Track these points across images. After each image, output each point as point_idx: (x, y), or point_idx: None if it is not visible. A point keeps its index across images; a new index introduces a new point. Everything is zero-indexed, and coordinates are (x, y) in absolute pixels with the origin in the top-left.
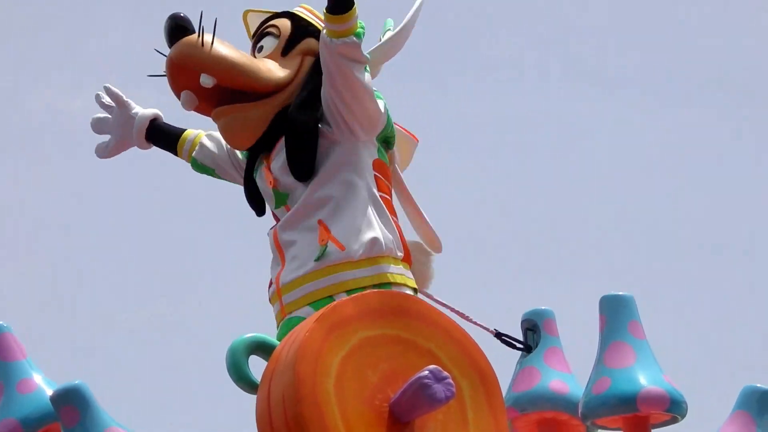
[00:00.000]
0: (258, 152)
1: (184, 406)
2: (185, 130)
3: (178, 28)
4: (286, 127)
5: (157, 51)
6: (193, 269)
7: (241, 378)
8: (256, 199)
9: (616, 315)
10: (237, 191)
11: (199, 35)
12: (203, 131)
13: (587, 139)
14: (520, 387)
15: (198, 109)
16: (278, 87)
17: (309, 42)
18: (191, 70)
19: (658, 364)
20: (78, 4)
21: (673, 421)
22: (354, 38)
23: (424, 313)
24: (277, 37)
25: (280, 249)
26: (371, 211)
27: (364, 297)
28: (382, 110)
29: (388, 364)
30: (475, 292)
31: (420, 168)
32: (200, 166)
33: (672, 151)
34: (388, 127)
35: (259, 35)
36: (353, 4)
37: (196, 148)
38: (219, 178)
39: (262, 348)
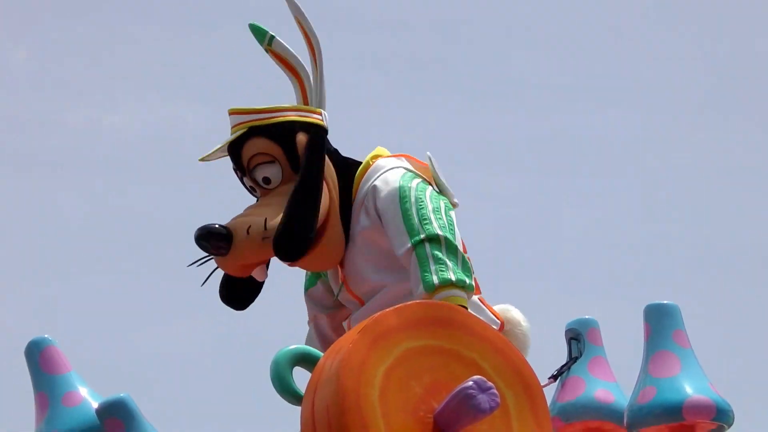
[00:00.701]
0: None
1: (228, 418)
2: None
3: (218, 236)
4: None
5: (193, 263)
6: None
7: (285, 389)
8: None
9: (660, 324)
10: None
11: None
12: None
13: (627, 150)
14: (565, 397)
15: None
16: (330, 208)
17: (299, 137)
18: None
19: (703, 373)
20: (116, 22)
21: (720, 430)
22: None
23: (468, 323)
24: (273, 160)
25: None
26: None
27: (408, 308)
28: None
29: (432, 375)
30: (519, 303)
31: (466, 182)
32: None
33: (714, 159)
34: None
35: (249, 170)
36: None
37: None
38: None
39: (306, 359)
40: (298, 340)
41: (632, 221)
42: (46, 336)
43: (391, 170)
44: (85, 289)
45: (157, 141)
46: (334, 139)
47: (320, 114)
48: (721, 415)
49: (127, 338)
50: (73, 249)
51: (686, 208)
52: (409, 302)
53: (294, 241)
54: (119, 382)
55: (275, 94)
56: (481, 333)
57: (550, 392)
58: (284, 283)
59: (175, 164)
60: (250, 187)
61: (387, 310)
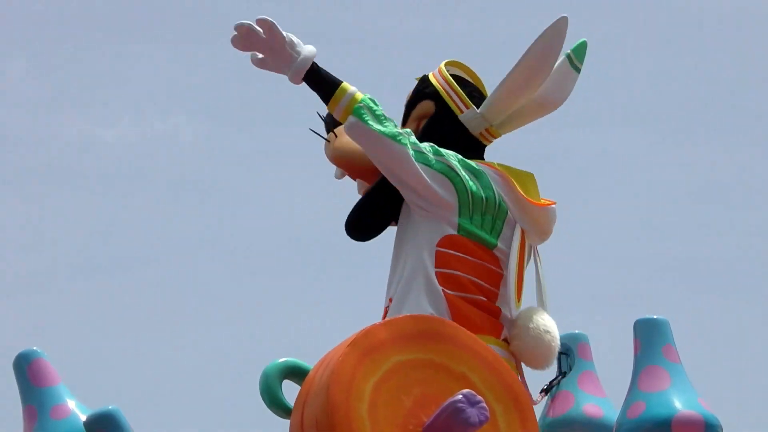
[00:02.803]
0: None
1: (216, 431)
2: (342, 82)
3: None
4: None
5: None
6: (228, 298)
7: (274, 402)
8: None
9: (650, 339)
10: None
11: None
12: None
13: (620, 166)
14: (555, 411)
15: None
16: None
17: (423, 105)
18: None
19: (693, 387)
20: (115, 35)
21: None
22: (352, 118)
23: (458, 337)
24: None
25: None
26: (423, 297)
27: (398, 321)
28: (435, 186)
29: (422, 389)
30: None
31: None
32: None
33: (707, 177)
34: (468, 203)
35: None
36: (334, 86)
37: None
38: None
39: (296, 372)
40: (287, 354)
41: (623, 236)
42: (34, 348)
43: None
44: (75, 301)
45: (152, 154)
46: None
47: (467, 107)
48: (709, 429)
49: (117, 350)
50: (64, 260)
51: (677, 222)
52: (399, 316)
53: (357, 227)
54: (108, 395)
55: (274, 108)
56: (471, 346)
57: (539, 407)
58: (275, 294)
59: (170, 177)
60: None
61: (377, 323)
